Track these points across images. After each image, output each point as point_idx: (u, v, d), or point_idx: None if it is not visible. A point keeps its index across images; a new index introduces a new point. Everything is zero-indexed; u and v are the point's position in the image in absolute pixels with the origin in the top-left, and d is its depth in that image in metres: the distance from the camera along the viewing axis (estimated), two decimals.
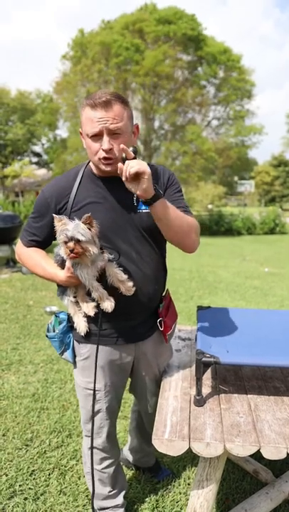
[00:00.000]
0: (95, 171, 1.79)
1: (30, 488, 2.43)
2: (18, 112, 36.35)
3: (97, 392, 1.90)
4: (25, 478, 2.51)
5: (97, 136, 1.63)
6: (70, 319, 1.88)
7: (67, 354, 1.93)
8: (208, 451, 1.55)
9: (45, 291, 7.22)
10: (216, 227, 22.52)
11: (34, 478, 2.52)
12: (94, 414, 1.91)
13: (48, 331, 1.98)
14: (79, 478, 2.52)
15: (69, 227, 1.55)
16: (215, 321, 2.26)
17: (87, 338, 1.85)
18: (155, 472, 2.56)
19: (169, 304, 2.07)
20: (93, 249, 1.59)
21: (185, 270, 9.49)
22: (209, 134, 26.70)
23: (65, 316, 1.91)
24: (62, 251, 1.61)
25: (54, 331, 1.93)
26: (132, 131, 1.73)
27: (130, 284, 1.72)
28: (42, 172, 37.80)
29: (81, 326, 1.81)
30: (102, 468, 2.05)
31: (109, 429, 2.00)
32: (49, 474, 2.56)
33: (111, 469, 2.07)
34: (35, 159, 42.61)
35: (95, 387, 1.86)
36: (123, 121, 1.63)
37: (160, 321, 1.95)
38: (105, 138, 1.61)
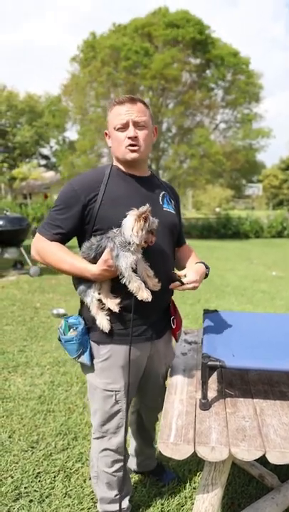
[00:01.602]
0: (122, 167, 1.91)
1: (35, 491, 2.43)
2: (26, 114, 36.52)
3: (117, 392, 1.91)
4: (31, 481, 2.51)
5: (123, 128, 1.80)
6: (86, 321, 1.90)
7: (84, 357, 1.89)
8: (213, 456, 1.54)
9: (52, 293, 7.25)
10: (223, 230, 22.49)
11: (39, 481, 2.52)
12: (113, 414, 1.94)
13: (60, 338, 1.94)
14: (84, 481, 2.52)
15: (152, 219, 1.65)
16: (221, 324, 2.26)
17: (108, 338, 1.86)
18: (159, 475, 2.55)
19: (174, 305, 2.11)
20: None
21: None
22: (217, 137, 26.65)
23: (76, 319, 1.91)
24: (134, 237, 1.62)
25: (64, 335, 1.91)
26: (152, 131, 1.92)
27: (156, 280, 1.80)
28: (50, 174, 37.96)
29: (104, 323, 1.80)
30: (113, 472, 2.02)
31: (126, 427, 2.00)
32: (54, 477, 2.56)
33: (121, 473, 2.06)
34: (43, 162, 42.74)
35: (128, 388, 1.89)
36: (146, 117, 1.84)
37: (173, 319, 2.03)
38: (131, 127, 1.79)
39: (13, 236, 8.69)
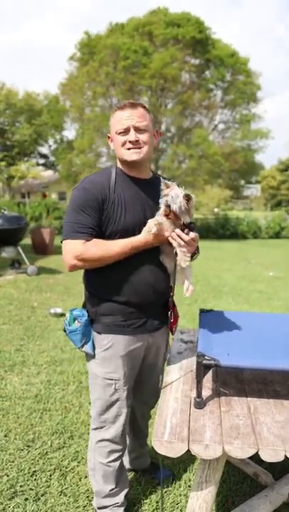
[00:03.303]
0: (125, 170, 1.97)
1: (31, 489, 2.44)
2: (25, 112, 36.47)
3: (116, 381, 2.00)
4: (27, 479, 2.52)
5: (124, 132, 1.87)
6: (89, 314, 2.00)
7: (88, 346, 2.00)
8: (207, 453, 1.55)
9: (49, 292, 7.25)
10: (221, 230, 22.53)
11: (35, 479, 2.53)
12: (112, 403, 2.02)
13: (65, 328, 2.03)
14: (80, 480, 2.53)
15: (171, 194, 1.78)
16: (217, 323, 2.27)
17: (109, 328, 1.97)
18: (154, 473, 2.57)
19: (173, 301, 2.15)
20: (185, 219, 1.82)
21: None
22: (216, 137, 26.66)
23: (80, 312, 2.01)
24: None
25: (70, 326, 2.00)
26: (153, 134, 1.98)
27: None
28: (48, 173, 37.88)
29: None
30: (109, 462, 2.09)
31: (124, 417, 2.07)
32: (50, 475, 2.57)
33: (117, 463, 2.11)
34: (41, 161, 42.71)
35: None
36: (146, 121, 1.90)
37: (171, 313, 2.09)
38: (132, 132, 1.86)
39: (11, 235, 8.68)
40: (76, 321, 1.98)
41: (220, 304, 6.85)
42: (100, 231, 1.87)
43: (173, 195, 1.78)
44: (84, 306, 2.08)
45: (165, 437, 1.61)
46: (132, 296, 1.93)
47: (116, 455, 2.10)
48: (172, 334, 2.22)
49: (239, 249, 16.95)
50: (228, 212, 28.98)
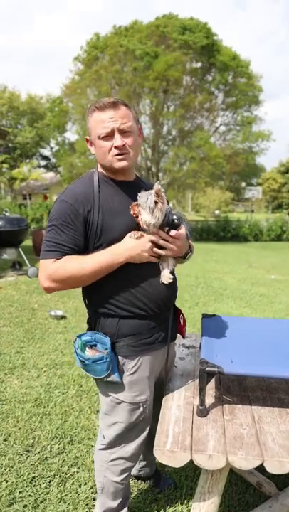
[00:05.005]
0: (108, 174, 1.81)
1: (30, 495, 2.40)
2: (27, 115, 36.61)
3: (143, 403, 1.85)
4: (26, 485, 2.48)
5: (108, 137, 1.70)
6: (110, 336, 1.77)
7: (115, 375, 1.77)
8: (210, 464, 1.52)
9: (50, 294, 7.21)
10: (222, 233, 22.51)
11: (34, 485, 2.49)
12: (137, 424, 1.88)
13: (84, 358, 1.77)
14: (80, 486, 2.49)
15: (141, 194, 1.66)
16: (220, 329, 2.24)
17: (136, 349, 1.79)
18: (156, 481, 2.52)
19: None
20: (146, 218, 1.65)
21: (191, 276, 9.45)
22: (217, 139, 26.70)
23: (91, 336, 1.78)
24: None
25: (85, 355, 1.77)
26: (138, 134, 1.81)
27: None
28: (50, 175, 38.00)
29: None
30: (121, 480, 1.95)
31: (145, 435, 1.95)
32: (49, 481, 2.53)
33: (128, 480, 2.03)
34: (43, 162, 42.84)
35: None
36: (130, 122, 1.73)
37: (182, 316, 2.04)
38: (117, 135, 1.69)
39: (12, 237, 8.64)
40: (87, 348, 1.76)
41: (221, 307, 6.81)
42: (83, 246, 1.71)
43: (145, 193, 1.66)
44: (94, 329, 1.84)
45: (167, 446, 1.58)
46: (153, 309, 1.78)
47: (128, 473, 1.98)
48: (183, 338, 2.15)
49: (240, 251, 16.90)
50: (228, 214, 28.96)
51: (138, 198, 1.66)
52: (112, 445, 1.91)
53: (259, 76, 25.83)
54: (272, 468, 1.48)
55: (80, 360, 1.78)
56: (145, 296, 1.76)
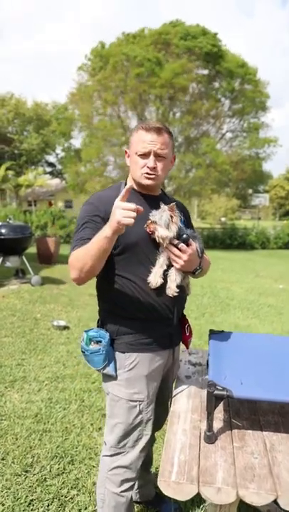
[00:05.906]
0: (135, 187, 1.94)
1: None
2: (33, 122, 36.76)
3: (140, 402, 1.92)
4: (23, 509, 2.36)
5: (144, 155, 1.85)
6: (110, 333, 1.92)
7: (110, 368, 1.91)
8: (219, 498, 1.39)
9: (53, 303, 7.10)
10: (229, 240, 22.36)
11: (32, 510, 2.36)
12: (135, 426, 1.93)
13: (84, 349, 1.92)
14: (79, 511, 2.36)
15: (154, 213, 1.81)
16: (228, 347, 2.11)
17: (134, 347, 1.90)
18: (158, 505, 2.41)
19: (184, 315, 2.15)
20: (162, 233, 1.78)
21: (197, 285, 9.32)
22: (223, 146, 26.64)
23: (97, 332, 1.93)
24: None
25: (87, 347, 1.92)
26: (171, 160, 1.97)
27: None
28: (55, 182, 38.07)
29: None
30: (122, 491, 1.94)
31: (145, 441, 1.97)
32: (48, 505, 2.40)
33: (129, 494, 1.97)
34: (49, 169, 42.93)
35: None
36: (168, 149, 1.88)
37: (188, 326, 2.09)
38: (152, 158, 1.84)
39: (15, 244, 8.56)
40: (92, 343, 1.91)
41: (228, 318, 6.67)
42: None
43: (158, 211, 1.81)
44: (101, 326, 1.99)
45: (172, 477, 1.44)
46: (154, 314, 1.89)
47: (129, 484, 1.96)
48: (187, 348, 2.20)
49: (247, 259, 16.74)
50: (235, 221, 28.82)
51: (150, 216, 1.79)
52: (113, 451, 1.95)
53: (266, 83, 25.81)
54: (287, 504, 1.35)
55: (82, 351, 1.94)
56: (148, 301, 1.86)
